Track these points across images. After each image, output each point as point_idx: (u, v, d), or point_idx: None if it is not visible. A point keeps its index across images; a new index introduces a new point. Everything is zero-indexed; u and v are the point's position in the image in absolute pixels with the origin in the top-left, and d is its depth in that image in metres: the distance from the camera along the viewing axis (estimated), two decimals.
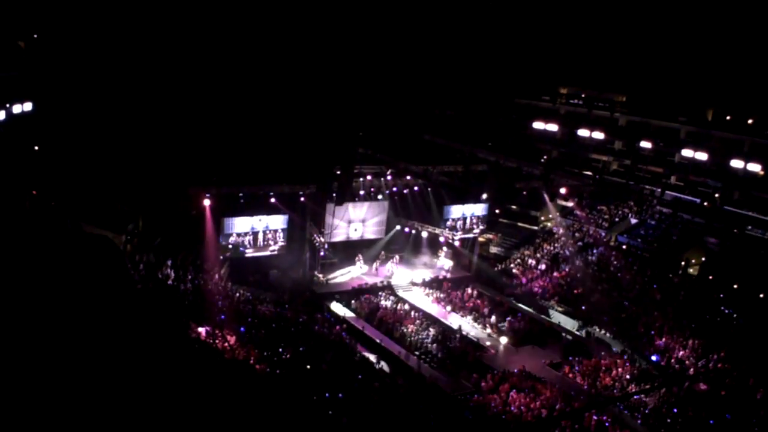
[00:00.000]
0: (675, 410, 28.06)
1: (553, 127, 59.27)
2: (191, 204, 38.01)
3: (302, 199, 41.13)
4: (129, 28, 52.78)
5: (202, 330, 29.22)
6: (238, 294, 35.93)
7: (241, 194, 38.78)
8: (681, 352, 32.98)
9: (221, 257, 38.70)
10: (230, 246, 38.78)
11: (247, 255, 39.62)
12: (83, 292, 23.15)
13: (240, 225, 38.93)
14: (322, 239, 42.30)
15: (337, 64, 62.15)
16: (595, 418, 27.30)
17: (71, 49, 49.06)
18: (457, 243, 46.01)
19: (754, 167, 46.51)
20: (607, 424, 27.34)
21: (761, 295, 37.83)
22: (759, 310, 36.69)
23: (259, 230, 39.49)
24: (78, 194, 35.16)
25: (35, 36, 48.64)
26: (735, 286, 38.62)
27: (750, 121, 50.31)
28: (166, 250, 35.71)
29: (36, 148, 39.82)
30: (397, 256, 45.64)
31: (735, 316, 36.07)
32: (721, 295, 38.23)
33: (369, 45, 63.24)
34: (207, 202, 37.53)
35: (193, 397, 20.34)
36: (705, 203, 48.15)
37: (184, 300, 32.12)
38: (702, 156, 49.63)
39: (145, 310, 26.91)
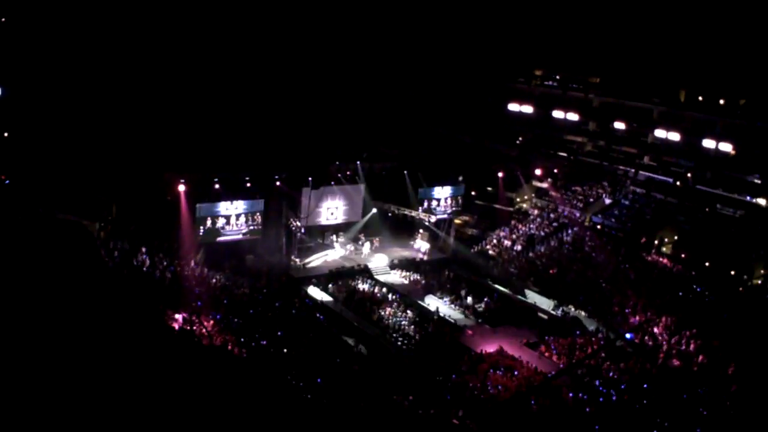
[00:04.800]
0: (645, 386, 28.52)
1: (528, 109, 59.57)
2: (166, 190, 37.70)
3: (278, 183, 40.96)
4: (104, 13, 51.79)
5: (178, 317, 29.09)
6: (214, 280, 35.73)
7: (216, 179, 38.51)
8: (654, 330, 33.50)
9: (197, 243, 38.49)
10: (202, 231, 38.58)
11: (222, 239, 39.46)
12: (54, 278, 22.89)
13: (214, 210, 38.79)
14: (299, 223, 42.19)
15: (312, 49, 61.64)
16: (571, 394, 27.71)
17: (43, 33, 48.07)
18: (433, 225, 46.16)
19: (726, 147, 47.28)
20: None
21: (732, 273, 38.53)
22: (730, 287, 37.40)
23: (231, 214, 39.38)
24: (50, 181, 34.70)
25: (2, 20, 47.60)
26: (707, 264, 39.26)
27: (721, 102, 50.91)
28: (140, 236, 35.38)
29: (5, 134, 39.16)
30: (375, 239, 45.73)
31: (707, 293, 36.68)
32: (693, 273, 38.85)
33: (342, 28, 62.78)
34: (182, 188, 37.24)
35: (171, 384, 20.25)
36: (677, 183, 48.77)
37: (160, 286, 31.89)
38: (675, 136, 50.26)
39: (119, 295, 26.71)
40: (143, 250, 34.44)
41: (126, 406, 17.76)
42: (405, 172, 46.83)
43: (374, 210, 46.13)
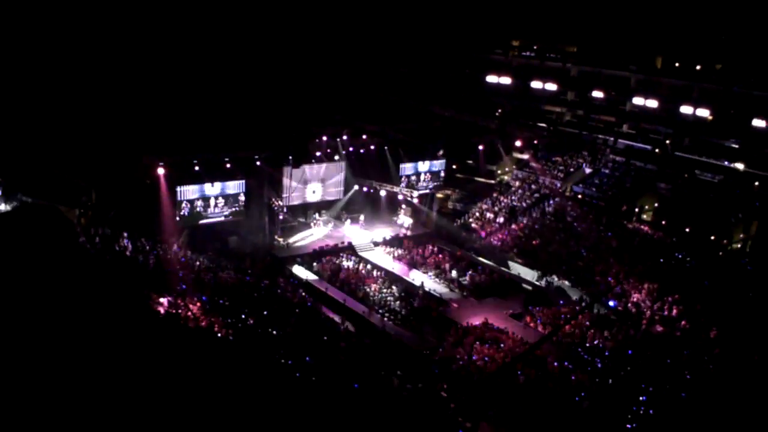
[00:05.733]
0: (630, 352, 28.93)
1: (506, 80, 59.52)
2: (145, 173, 37.30)
3: (258, 163, 40.69)
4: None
5: (164, 300, 28.99)
6: (198, 262, 35.56)
7: (195, 161, 38.16)
8: (637, 297, 33.92)
9: (179, 226, 38.23)
10: (184, 214, 38.30)
11: (204, 222, 39.22)
12: (36, 266, 22.66)
13: (195, 192, 38.51)
14: (281, 203, 42.03)
15: (288, 27, 60.98)
16: (556, 364, 28.05)
17: (15, 15, 47.06)
18: (415, 200, 46.17)
19: (703, 112, 47.56)
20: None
21: (712, 238, 39.01)
22: (710, 252, 37.88)
23: (212, 196, 39.13)
24: (26, 168, 34.26)
25: None
26: (687, 230, 39.70)
27: (698, 68, 51.17)
28: (121, 221, 35.05)
29: None
30: (358, 216, 45.70)
31: (688, 259, 37.13)
32: (674, 239, 39.28)
33: (319, 6, 62.15)
34: (161, 171, 36.88)
35: (160, 367, 20.22)
36: (656, 150, 49.11)
37: (144, 271, 31.70)
38: (652, 103, 50.50)
39: (103, 281, 26.54)
40: (125, 235, 34.18)
41: (114, 389, 17.72)
42: (386, 147, 46.72)
43: (356, 187, 46.02)
